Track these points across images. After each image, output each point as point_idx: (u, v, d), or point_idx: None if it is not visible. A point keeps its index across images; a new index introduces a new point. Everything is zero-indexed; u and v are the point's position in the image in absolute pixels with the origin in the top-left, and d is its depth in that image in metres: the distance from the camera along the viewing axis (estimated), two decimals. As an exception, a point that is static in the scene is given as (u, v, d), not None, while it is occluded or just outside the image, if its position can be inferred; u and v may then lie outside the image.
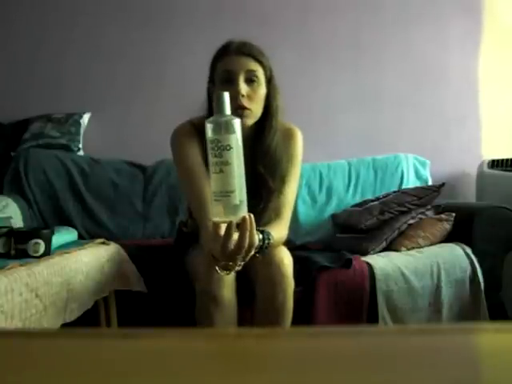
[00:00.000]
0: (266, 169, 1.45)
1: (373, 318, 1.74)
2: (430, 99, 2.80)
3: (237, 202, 1.06)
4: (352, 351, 0.38)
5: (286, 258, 1.35)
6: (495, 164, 2.55)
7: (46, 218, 2.35)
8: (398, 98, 2.79)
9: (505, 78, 2.81)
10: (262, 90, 1.41)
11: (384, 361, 0.36)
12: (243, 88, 1.36)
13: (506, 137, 2.79)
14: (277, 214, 1.43)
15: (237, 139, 1.06)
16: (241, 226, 1.09)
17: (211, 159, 1.07)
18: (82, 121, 2.61)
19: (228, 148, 1.05)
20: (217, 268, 1.18)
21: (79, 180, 2.43)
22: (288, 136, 1.51)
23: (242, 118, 1.29)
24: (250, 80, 1.38)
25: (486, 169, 2.58)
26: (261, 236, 1.22)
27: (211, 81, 1.46)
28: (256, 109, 1.40)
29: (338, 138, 2.77)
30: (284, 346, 0.40)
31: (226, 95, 1.08)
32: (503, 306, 1.85)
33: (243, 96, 1.36)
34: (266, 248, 1.24)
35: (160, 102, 2.76)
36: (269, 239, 1.25)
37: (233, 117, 1.08)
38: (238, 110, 1.34)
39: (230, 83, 1.37)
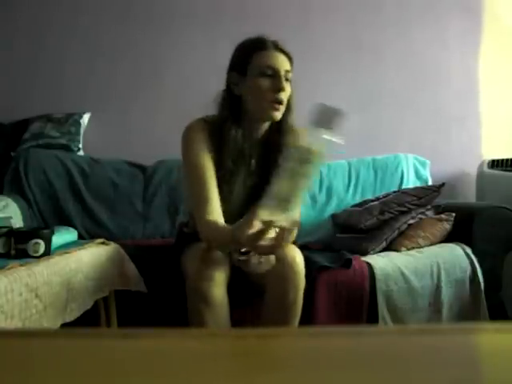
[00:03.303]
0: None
1: (373, 318, 1.74)
2: (430, 99, 2.80)
3: (290, 211, 1.09)
4: (352, 351, 0.38)
5: (297, 256, 1.40)
6: (495, 164, 2.55)
7: (46, 217, 2.35)
8: (398, 98, 2.79)
9: (505, 78, 2.81)
10: (290, 90, 1.47)
11: (384, 361, 0.36)
12: (285, 85, 1.41)
13: (506, 137, 2.79)
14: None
15: (323, 158, 1.06)
16: (279, 233, 1.20)
17: (288, 163, 1.08)
18: (81, 121, 2.61)
19: (310, 162, 1.05)
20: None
21: (79, 180, 2.43)
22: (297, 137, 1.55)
23: (276, 112, 1.41)
24: (286, 79, 1.44)
25: (486, 169, 2.58)
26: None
27: (237, 70, 1.47)
28: (285, 105, 1.46)
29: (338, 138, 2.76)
30: (284, 346, 0.40)
31: (333, 111, 1.08)
32: (503, 306, 1.85)
33: (284, 93, 1.42)
34: None
35: (160, 102, 2.76)
36: None
37: (336, 136, 1.08)
38: (275, 104, 1.41)
39: (272, 77, 1.41)
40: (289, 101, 1.47)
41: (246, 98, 1.46)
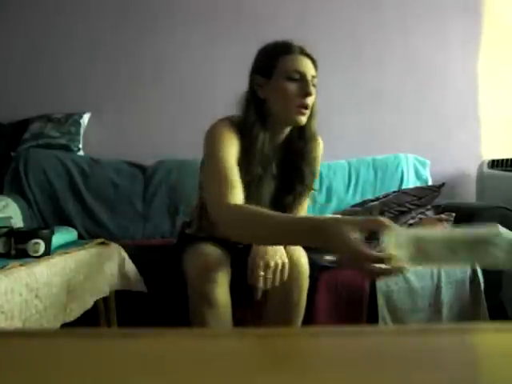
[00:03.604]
0: (307, 166, 1.50)
1: (373, 317, 1.74)
2: (430, 99, 2.80)
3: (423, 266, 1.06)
4: (352, 351, 0.38)
5: (302, 257, 1.43)
6: (495, 164, 2.55)
7: (46, 218, 2.35)
8: (398, 98, 2.79)
9: (505, 78, 2.81)
10: (315, 95, 1.45)
11: (384, 361, 0.36)
12: (313, 90, 1.40)
13: (506, 137, 2.79)
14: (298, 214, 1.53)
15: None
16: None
17: (494, 248, 0.87)
18: (82, 121, 2.61)
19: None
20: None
21: (79, 180, 2.43)
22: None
23: (302, 117, 1.39)
24: (312, 84, 1.41)
25: (485, 169, 2.58)
26: None
27: (262, 73, 1.44)
28: (309, 110, 1.44)
29: (338, 138, 2.76)
30: (284, 346, 0.40)
31: None
32: (503, 306, 1.85)
33: (310, 96, 1.40)
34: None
35: (160, 102, 2.76)
36: None
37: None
38: (302, 108, 1.39)
39: (299, 82, 1.39)
40: (312, 106, 1.45)
41: (270, 101, 1.42)
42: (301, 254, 1.44)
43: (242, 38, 2.71)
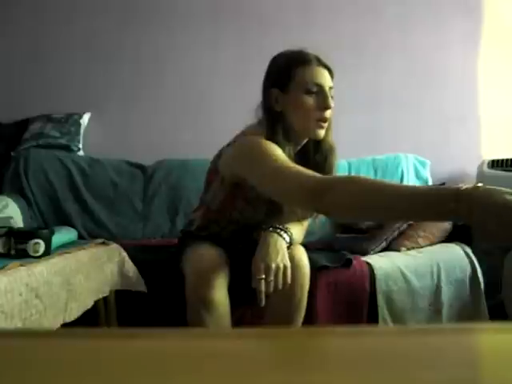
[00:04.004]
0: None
1: (373, 317, 1.74)
2: (430, 99, 2.80)
3: None
4: (352, 351, 0.38)
5: (304, 257, 1.44)
6: (495, 164, 2.55)
7: (46, 218, 2.35)
8: (398, 98, 2.79)
9: (505, 78, 2.81)
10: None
11: (384, 361, 0.36)
12: (332, 103, 1.36)
13: (506, 137, 2.79)
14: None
15: None
16: None
17: None
18: (82, 121, 2.61)
19: None
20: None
21: (79, 180, 2.43)
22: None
23: (321, 130, 1.36)
24: (330, 96, 1.38)
25: (485, 169, 2.57)
26: (288, 239, 1.38)
27: (277, 86, 1.39)
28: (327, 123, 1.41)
29: (338, 138, 2.75)
30: (284, 346, 0.40)
31: None
32: (503, 306, 1.85)
33: (329, 109, 1.37)
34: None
35: (160, 102, 2.76)
36: (292, 240, 1.40)
37: None
38: (321, 122, 1.36)
39: (317, 95, 1.36)
40: (330, 127, 1.44)
41: (288, 114, 1.38)
42: (302, 255, 1.44)
43: (244, 39, 2.71)
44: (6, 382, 0.31)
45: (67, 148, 2.53)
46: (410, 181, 2.56)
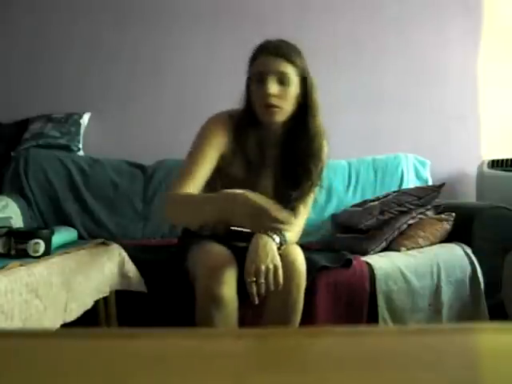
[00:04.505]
0: (307, 168, 1.53)
1: (373, 317, 1.74)
2: (430, 99, 2.80)
3: None
4: (352, 351, 0.38)
5: (299, 256, 1.43)
6: (495, 164, 2.55)
7: (46, 218, 2.35)
8: (398, 97, 2.79)
9: (505, 77, 2.81)
10: (294, 90, 1.47)
11: (384, 361, 0.36)
12: (272, 88, 1.43)
13: (506, 137, 2.79)
14: (296, 215, 1.54)
15: None
16: None
17: None
18: (82, 121, 2.61)
19: None
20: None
21: (79, 180, 2.43)
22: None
23: (270, 116, 1.45)
24: (281, 81, 1.45)
25: (486, 169, 2.58)
26: (278, 240, 1.38)
27: (249, 77, 1.53)
28: (286, 106, 1.47)
29: (338, 138, 2.76)
30: (284, 346, 0.40)
31: None
32: (503, 306, 1.85)
33: (273, 95, 1.44)
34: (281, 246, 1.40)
35: (160, 102, 2.76)
36: (284, 240, 1.41)
37: None
38: (266, 108, 1.45)
39: (261, 83, 1.45)
40: (304, 98, 1.49)
41: (251, 101, 1.51)
42: (297, 254, 1.44)
43: (243, 38, 2.70)
44: (6, 382, 0.31)
45: (67, 148, 2.53)
46: (410, 181, 2.56)
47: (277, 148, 1.56)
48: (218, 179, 1.52)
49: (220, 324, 1.32)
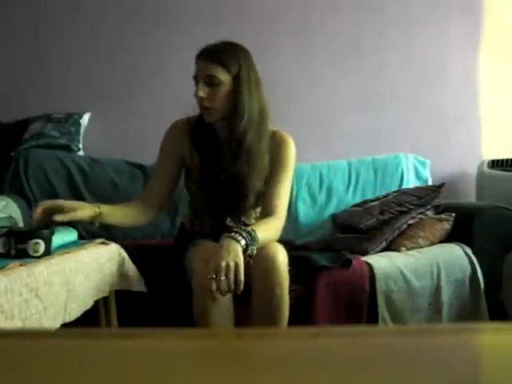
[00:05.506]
0: (249, 166, 1.58)
1: (373, 318, 1.74)
2: (431, 99, 2.80)
3: None
4: (352, 351, 0.38)
5: (280, 253, 1.41)
6: (495, 164, 2.55)
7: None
8: (399, 97, 2.79)
9: (505, 78, 2.81)
10: (224, 90, 1.56)
11: (384, 361, 0.36)
12: (201, 91, 1.55)
13: (506, 137, 2.79)
14: (273, 212, 1.54)
15: None
16: None
17: None
18: (82, 121, 2.61)
19: None
20: None
21: (79, 180, 2.43)
22: (279, 142, 1.64)
23: (206, 117, 1.59)
24: (210, 83, 1.55)
25: (485, 169, 2.58)
26: (243, 242, 1.34)
27: None
28: (220, 107, 1.57)
29: (338, 138, 2.76)
30: (284, 346, 0.40)
31: None
32: (503, 306, 1.85)
33: (202, 98, 1.56)
34: (252, 253, 1.36)
35: (160, 102, 2.76)
36: (253, 241, 1.37)
37: None
38: (202, 109, 1.60)
39: (196, 87, 1.58)
40: (236, 97, 1.55)
41: None
42: (278, 250, 1.42)
43: (243, 39, 2.70)
44: (6, 382, 0.31)
45: (67, 148, 2.53)
46: (410, 181, 2.56)
47: (224, 148, 1.63)
48: (192, 182, 1.68)
49: (216, 319, 1.33)
